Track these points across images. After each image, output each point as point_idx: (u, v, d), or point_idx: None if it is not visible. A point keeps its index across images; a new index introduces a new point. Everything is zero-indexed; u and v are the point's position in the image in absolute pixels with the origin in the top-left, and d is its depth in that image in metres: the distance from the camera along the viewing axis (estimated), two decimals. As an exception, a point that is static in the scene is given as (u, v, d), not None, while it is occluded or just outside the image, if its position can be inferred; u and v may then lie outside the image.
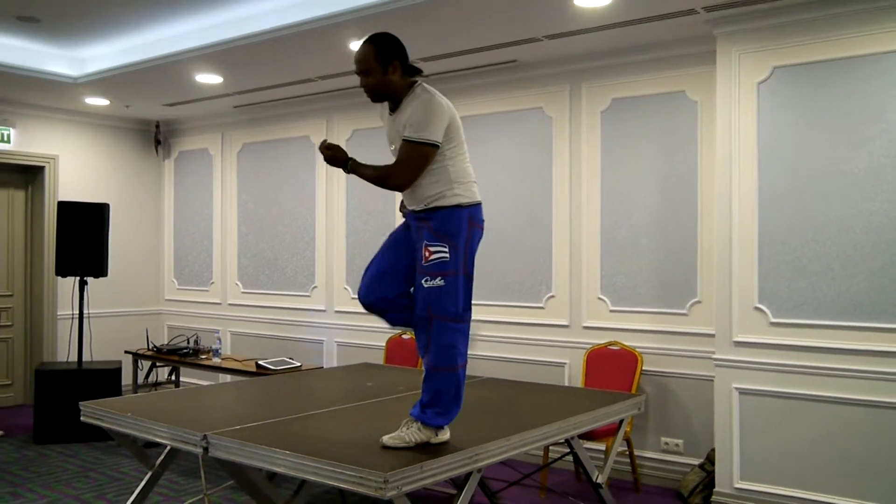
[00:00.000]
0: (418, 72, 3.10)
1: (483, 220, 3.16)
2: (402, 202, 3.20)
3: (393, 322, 3.27)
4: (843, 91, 4.37)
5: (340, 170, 3.18)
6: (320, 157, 7.21)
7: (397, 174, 3.00)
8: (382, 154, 6.68)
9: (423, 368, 3.07)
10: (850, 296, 4.33)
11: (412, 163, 2.96)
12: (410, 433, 2.97)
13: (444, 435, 3.03)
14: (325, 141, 3.16)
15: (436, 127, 2.93)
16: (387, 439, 2.96)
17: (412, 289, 3.12)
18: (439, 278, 2.95)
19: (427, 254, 2.97)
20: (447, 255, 2.96)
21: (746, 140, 4.65)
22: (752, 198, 4.63)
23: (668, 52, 5.25)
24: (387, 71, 3.01)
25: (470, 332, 3.11)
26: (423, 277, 2.98)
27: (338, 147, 3.13)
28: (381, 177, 3.05)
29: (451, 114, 3.03)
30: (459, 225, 3.01)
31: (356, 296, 3.35)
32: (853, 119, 4.33)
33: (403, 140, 2.97)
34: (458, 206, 3.01)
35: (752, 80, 4.63)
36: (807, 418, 4.43)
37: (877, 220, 4.25)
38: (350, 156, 3.12)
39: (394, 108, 3.09)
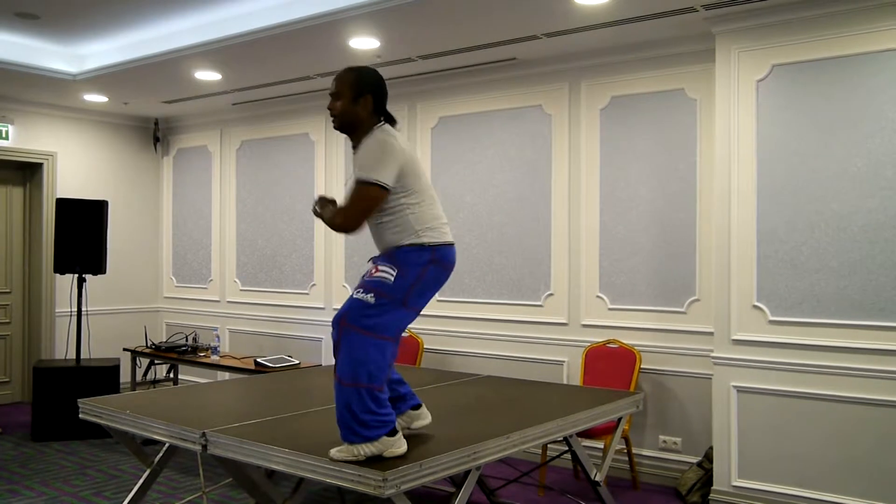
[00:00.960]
0: (392, 121, 3.01)
1: (453, 262, 3.03)
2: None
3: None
4: (842, 89, 4.37)
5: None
6: (319, 153, 7.28)
7: (344, 215, 2.88)
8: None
9: (399, 371, 3.09)
10: (848, 294, 4.33)
11: (358, 203, 2.84)
12: (358, 447, 2.74)
13: (397, 448, 2.79)
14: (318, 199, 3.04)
15: (385, 169, 2.81)
16: (334, 452, 2.76)
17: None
18: (371, 295, 2.84)
19: (374, 270, 2.90)
20: (390, 278, 2.86)
21: (745, 138, 4.65)
22: (750, 196, 4.63)
23: (667, 50, 5.25)
24: (356, 101, 2.93)
25: (385, 360, 2.88)
26: (358, 289, 2.89)
27: (324, 202, 3.01)
28: (330, 218, 2.92)
29: (406, 159, 2.89)
30: (418, 263, 2.90)
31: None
32: (852, 117, 4.33)
33: (356, 180, 2.84)
34: (421, 246, 2.90)
35: (751, 78, 4.63)
36: (805, 416, 4.44)
37: (875, 218, 4.25)
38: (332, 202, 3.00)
39: (354, 145, 2.97)
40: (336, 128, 3.01)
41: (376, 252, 3.07)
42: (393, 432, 2.80)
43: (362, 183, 2.81)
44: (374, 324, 2.82)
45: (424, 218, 2.93)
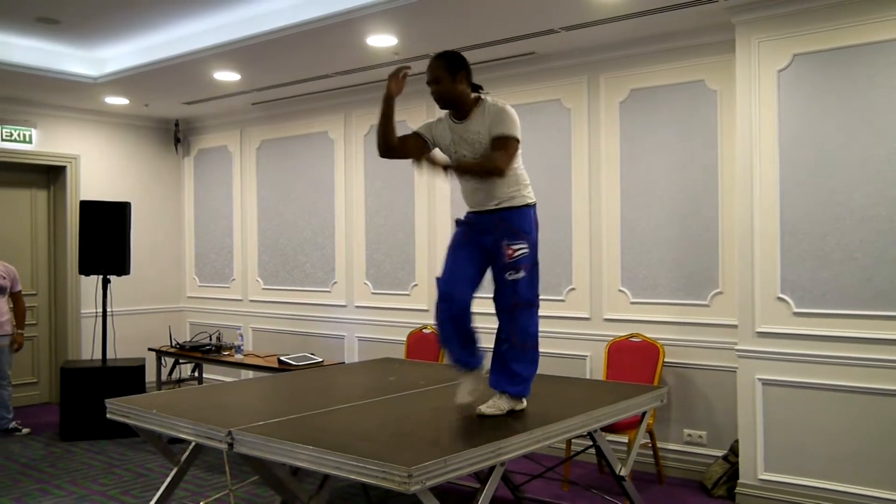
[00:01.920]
0: (480, 87, 3.52)
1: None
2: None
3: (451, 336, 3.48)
4: (864, 78, 4.32)
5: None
6: (339, 151, 7.29)
7: (503, 162, 3.32)
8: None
9: (503, 348, 3.51)
10: (874, 284, 4.28)
11: (511, 154, 3.35)
12: (502, 402, 3.45)
13: (524, 403, 3.55)
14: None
15: (518, 128, 3.38)
16: (484, 408, 3.43)
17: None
18: (522, 271, 3.41)
19: (510, 252, 3.39)
20: (526, 250, 3.42)
21: (767, 129, 4.61)
22: (773, 187, 4.59)
23: (686, 42, 5.21)
24: (455, 80, 3.41)
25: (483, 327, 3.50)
26: (506, 272, 3.41)
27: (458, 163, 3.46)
28: (484, 168, 3.36)
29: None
30: (531, 222, 3.49)
31: (443, 294, 3.46)
32: (875, 106, 4.28)
33: (500, 136, 3.33)
34: (527, 206, 3.48)
35: (772, 69, 4.59)
36: (832, 408, 4.40)
37: (901, 208, 4.20)
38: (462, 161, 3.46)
39: (459, 117, 3.47)
40: (442, 107, 3.52)
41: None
42: None
43: (511, 138, 3.34)
44: (532, 294, 3.51)
45: (523, 175, 3.50)
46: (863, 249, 4.32)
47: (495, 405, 3.46)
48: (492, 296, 3.56)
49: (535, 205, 3.52)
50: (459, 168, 3.43)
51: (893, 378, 4.21)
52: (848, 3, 4.34)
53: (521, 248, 3.41)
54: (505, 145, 3.34)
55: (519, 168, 3.47)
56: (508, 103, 3.45)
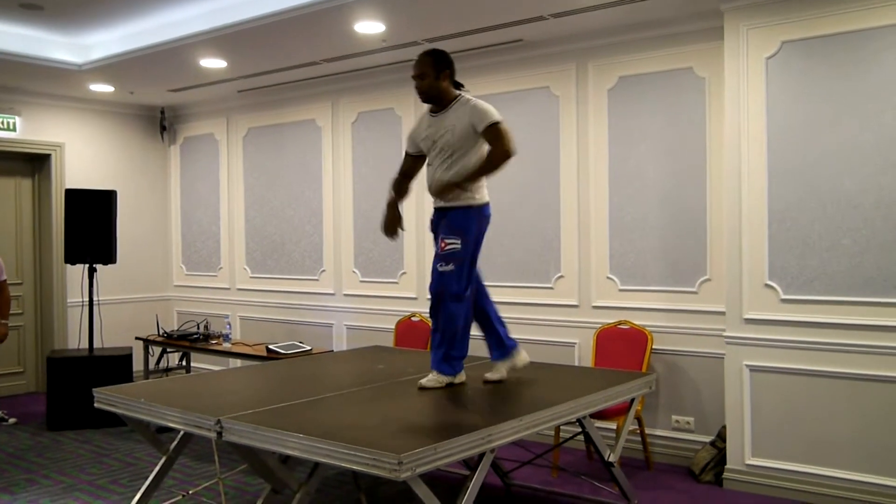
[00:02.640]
0: (461, 86, 3.81)
1: (490, 215, 3.84)
2: (391, 222, 3.91)
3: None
4: (852, 65, 4.33)
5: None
6: (326, 139, 7.28)
7: (505, 147, 3.58)
8: (387, 134, 6.65)
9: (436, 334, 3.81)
10: (860, 271, 4.31)
11: (507, 135, 3.59)
12: (439, 378, 3.80)
13: (462, 377, 3.90)
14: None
15: (494, 111, 3.63)
16: (424, 382, 3.79)
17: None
18: (451, 265, 3.66)
19: (443, 245, 3.68)
20: (458, 246, 3.66)
21: (755, 116, 4.62)
22: (761, 174, 4.60)
23: (675, 29, 5.21)
24: (438, 77, 3.70)
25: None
26: (437, 262, 3.69)
27: (442, 186, 3.66)
28: (493, 162, 3.61)
29: None
30: (470, 222, 3.72)
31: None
32: (863, 93, 4.30)
33: (488, 126, 3.59)
34: (470, 207, 3.72)
35: (760, 56, 4.59)
36: (818, 394, 4.43)
37: (887, 195, 4.22)
38: (445, 182, 3.66)
39: (437, 110, 3.76)
40: (424, 101, 3.80)
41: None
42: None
43: (497, 122, 3.60)
44: (459, 288, 3.73)
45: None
46: (850, 236, 4.34)
47: (433, 378, 3.82)
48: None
49: (480, 206, 3.74)
50: (465, 179, 3.63)
51: (880, 364, 4.25)
52: (836, -10, 4.34)
53: (452, 244, 3.66)
54: (497, 132, 3.59)
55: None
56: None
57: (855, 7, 4.30)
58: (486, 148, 3.69)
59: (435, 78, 3.70)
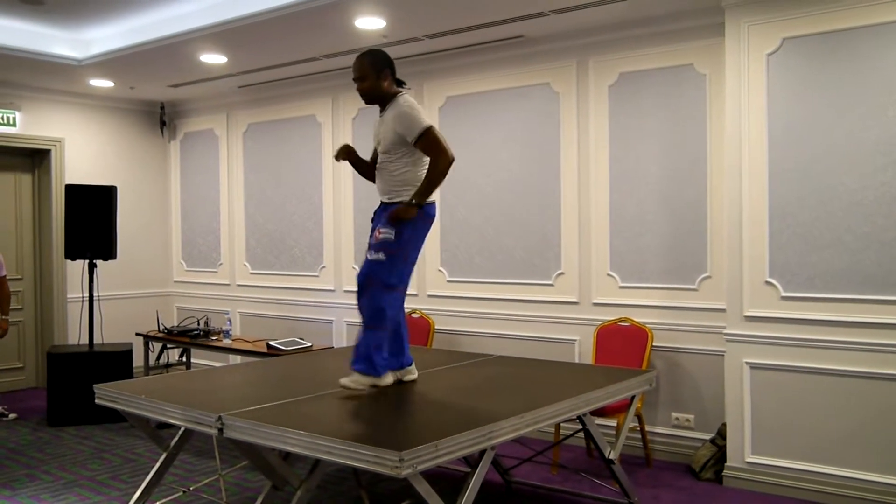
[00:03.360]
0: (403, 83, 3.76)
1: (433, 216, 3.77)
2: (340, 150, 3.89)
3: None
4: (853, 61, 4.32)
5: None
6: (326, 135, 7.27)
7: (443, 156, 3.56)
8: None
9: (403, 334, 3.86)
10: (861, 268, 4.31)
11: (438, 141, 3.56)
12: (359, 379, 3.65)
13: (388, 379, 3.75)
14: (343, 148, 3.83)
15: (422, 116, 3.59)
16: (344, 381, 3.65)
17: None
18: (382, 253, 3.61)
19: (377, 234, 3.65)
20: (391, 237, 3.60)
21: (756, 113, 4.61)
22: (761, 171, 4.60)
23: (676, 25, 5.20)
24: (379, 77, 3.66)
25: (403, 305, 3.90)
26: (369, 251, 3.66)
27: (400, 211, 3.60)
28: (437, 173, 3.58)
29: None
30: (413, 219, 3.63)
31: None
32: (864, 90, 4.29)
33: (417, 138, 3.55)
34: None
35: (761, 52, 4.58)
36: (818, 392, 4.43)
37: (888, 192, 4.22)
38: (406, 202, 3.62)
39: (382, 110, 3.74)
40: (367, 102, 3.77)
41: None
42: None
43: (424, 132, 3.54)
44: (389, 279, 3.67)
45: (416, 177, 3.67)
46: (851, 233, 4.34)
47: (354, 379, 3.68)
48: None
49: (421, 205, 3.63)
50: (423, 199, 3.62)
51: (880, 361, 4.25)
52: (838, -14, 4.33)
53: (386, 234, 3.62)
54: (429, 142, 3.56)
55: (412, 170, 3.67)
56: (413, 101, 3.69)
57: (856, 3, 4.29)
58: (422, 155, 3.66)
59: (376, 78, 3.66)
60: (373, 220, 3.82)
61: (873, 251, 4.27)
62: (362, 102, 7.28)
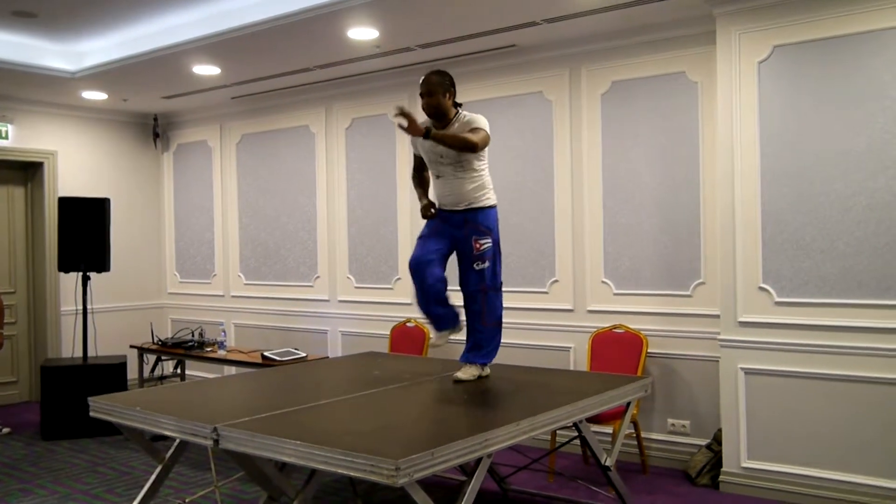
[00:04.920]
0: (460, 105, 4.13)
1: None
2: (426, 208, 4.14)
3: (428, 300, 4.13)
4: (844, 68, 4.35)
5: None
6: (320, 145, 7.28)
7: (479, 141, 3.90)
8: (381, 139, 6.66)
9: (475, 327, 4.17)
10: (854, 274, 4.33)
11: (485, 139, 3.96)
12: (474, 370, 4.15)
13: (489, 370, 4.26)
14: (401, 108, 3.79)
15: (488, 128, 4.02)
16: (460, 374, 4.13)
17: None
18: (487, 262, 4.03)
19: (477, 245, 4.03)
20: (490, 244, 4.05)
21: (748, 120, 4.64)
22: (754, 178, 4.62)
23: (667, 34, 5.23)
24: (445, 96, 4.00)
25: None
26: (474, 262, 4.05)
27: (414, 130, 3.80)
28: (465, 142, 3.87)
29: None
30: (493, 221, 4.11)
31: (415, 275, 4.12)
32: (855, 96, 4.32)
33: (475, 127, 3.94)
34: (490, 207, 4.10)
35: (752, 60, 4.61)
36: (813, 397, 4.44)
37: (880, 197, 4.24)
38: (425, 127, 3.84)
39: (439, 126, 4.01)
40: (428, 115, 4.05)
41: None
42: None
43: (483, 129, 3.96)
44: (495, 281, 4.14)
45: (489, 181, 4.13)
46: (843, 239, 4.36)
47: (467, 371, 4.16)
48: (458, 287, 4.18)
49: (496, 206, 4.14)
50: (437, 136, 3.85)
51: (874, 365, 4.26)
52: (827, -6, 4.37)
53: (486, 243, 4.03)
54: (477, 132, 3.94)
55: (485, 174, 4.09)
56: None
57: (846, 11, 4.32)
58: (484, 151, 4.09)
59: (443, 96, 3.99)
60: (432, 226, 4.15)
61: (865, 256, 4.29)
62: (355, 112, 7.35)
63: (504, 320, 6.18)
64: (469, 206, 4.06)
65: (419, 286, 4.10)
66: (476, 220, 4.05)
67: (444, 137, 3.86)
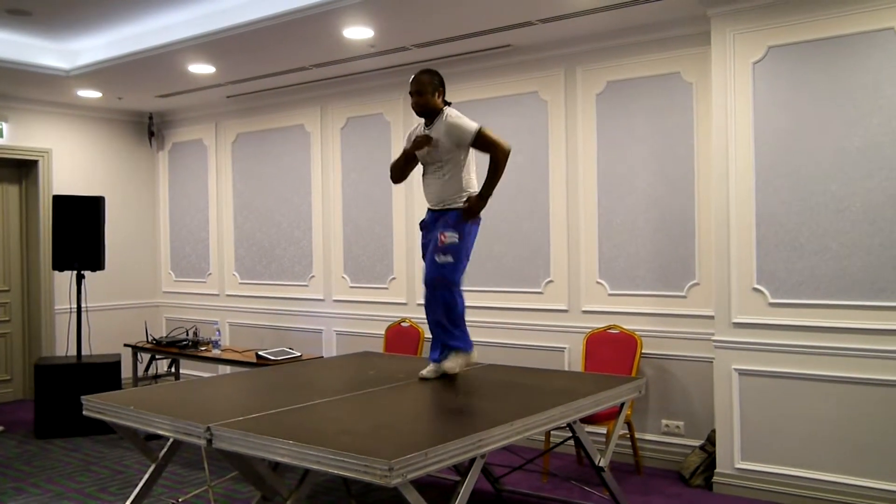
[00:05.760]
0: (449, 103, 4.17)
1: (481, 217, 4.17)
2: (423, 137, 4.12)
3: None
4: (838, 69, 4.36)
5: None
6: (315, 144, 7.28)
7: (499, 149, 4.00)
8: (376, 139, 6.67)
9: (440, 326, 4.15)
10: (848, 274, 4.34)
11: (490, 137, 4.00)
12: (459, 359, 4.16)
13: (475, 356, 4.28)
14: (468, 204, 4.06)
15: (470, 121, 4.03)
16: (447, 365, 4.14)
17: None
18: (450, 257, 4.03)
19: (443, 238, 4.04)
20: (456, 240, 4.03)
21: (742, 121, 4.64)
22: (748, 178, 4.63)
23: (662, 34, 5.24)
24: (434, 95, 4.06)
25: (467, 314, 4.21)
26: (436, 254, 4.05)
27: (474, 206, 4.05)
28: (498, 164, 3.99)
29: None
30: (467, 225, 4.09)
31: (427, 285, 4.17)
32: (849, 97, 4.33)
33: (475, 139, 4.00)
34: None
35: (747, 61, 4.62)
36: (807, 398, 4.45)
37: (875, 198, 4.25)
38: (474, 197, 4.08)
39: (428, 124, 4.13)
40: (418, 114, 4.14)
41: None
42: None
43: (478, 132, 3.99)
44: (454, 278, 4.09)
45: (469, 182, 4.13)
46: (837, 240, 4.36)
47: (453, 361, 4.15)
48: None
49: (488, 197, 4.08)
50: (486, 196, 4.05)
51: (868, 366, 4.27)
52: (822, -5, 4.38)
53: (451, 238, 4.04)
54: (485, 139, 4.00)
55: (467, 178, 4.11)
56: (457, 112, 4.10)
57: (840, 12, 4.33)
58: (470, 155, 4.13)
59: (433, 95, 4.06)
60: (424, 228, 4.25)
61: (859, 257, 4.30)
62: (350, 112, 7.35)
63: (499, 320, 6.25)
64: (445, 206, 4.13)
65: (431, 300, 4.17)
66: (449, 217, 4.10)
67: (490, 191, 4.01)
